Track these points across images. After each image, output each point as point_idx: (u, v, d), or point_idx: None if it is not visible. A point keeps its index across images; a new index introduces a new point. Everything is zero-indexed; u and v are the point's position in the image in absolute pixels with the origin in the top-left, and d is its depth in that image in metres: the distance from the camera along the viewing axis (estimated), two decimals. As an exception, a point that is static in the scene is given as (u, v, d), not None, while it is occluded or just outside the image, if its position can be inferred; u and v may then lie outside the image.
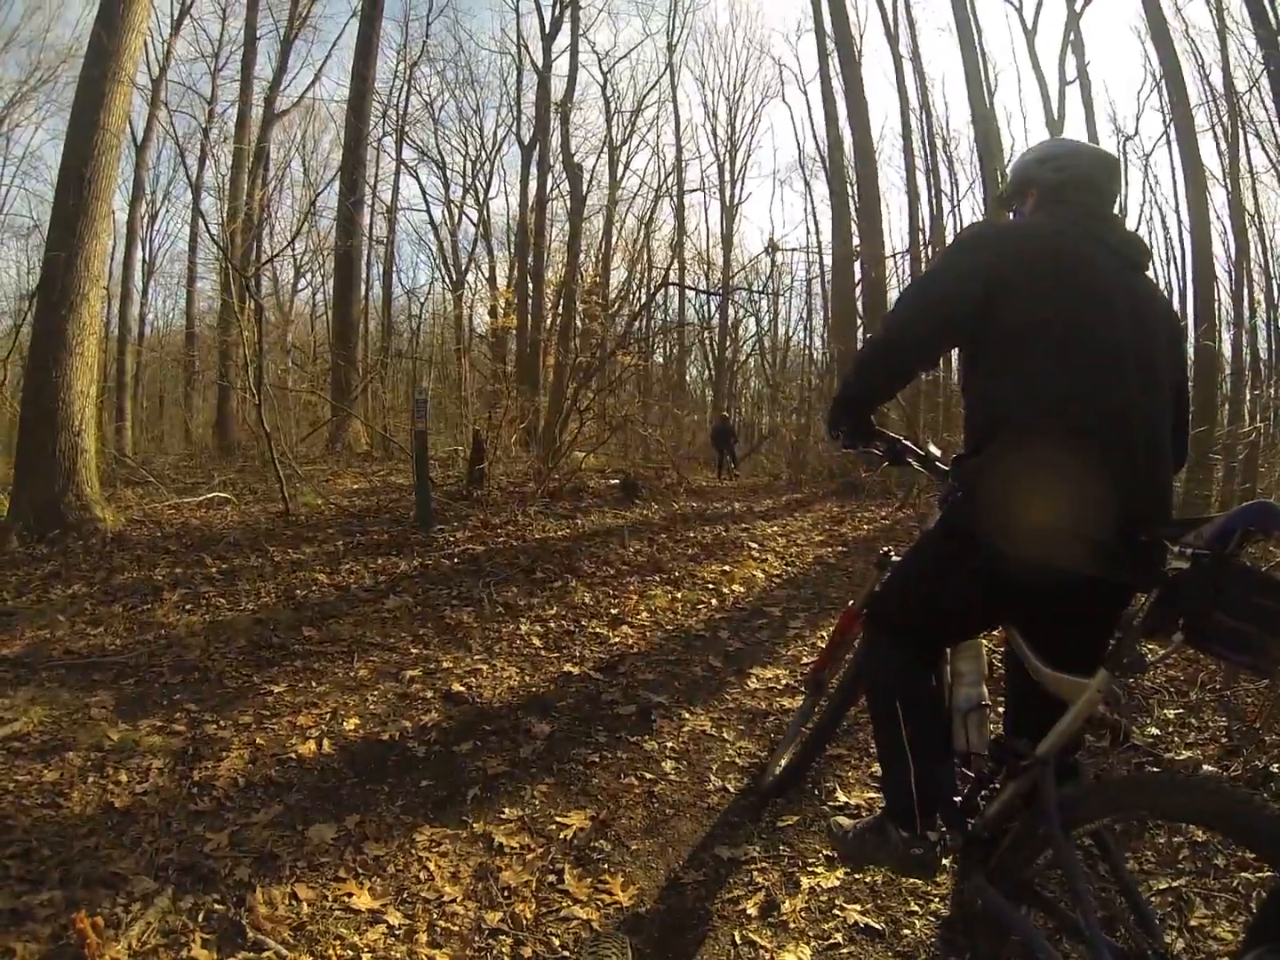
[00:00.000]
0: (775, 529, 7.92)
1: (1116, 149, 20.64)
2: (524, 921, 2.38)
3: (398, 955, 2.24)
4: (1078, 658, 1.83)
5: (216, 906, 2.41)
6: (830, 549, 7.48)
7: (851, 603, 2.86)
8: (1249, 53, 16.14)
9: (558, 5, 19.46)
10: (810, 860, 2.66)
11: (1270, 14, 12.11)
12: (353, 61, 16.32)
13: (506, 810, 2.97)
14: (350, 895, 2.48)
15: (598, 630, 5.02)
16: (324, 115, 26.39)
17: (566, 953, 2.25)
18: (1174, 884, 2.48)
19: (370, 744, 3.50)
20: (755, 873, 2.61)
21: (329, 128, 26.94)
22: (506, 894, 2.50)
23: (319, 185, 25.92)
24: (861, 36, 20.90)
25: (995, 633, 2.17)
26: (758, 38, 56.81)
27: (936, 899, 2.46)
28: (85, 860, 2.62)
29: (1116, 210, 2.21)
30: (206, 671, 4.27)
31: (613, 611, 5.36)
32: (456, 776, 3.23)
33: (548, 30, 19.71)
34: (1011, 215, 2.31)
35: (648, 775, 3.24)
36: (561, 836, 2.80)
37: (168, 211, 29.74)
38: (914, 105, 23.09)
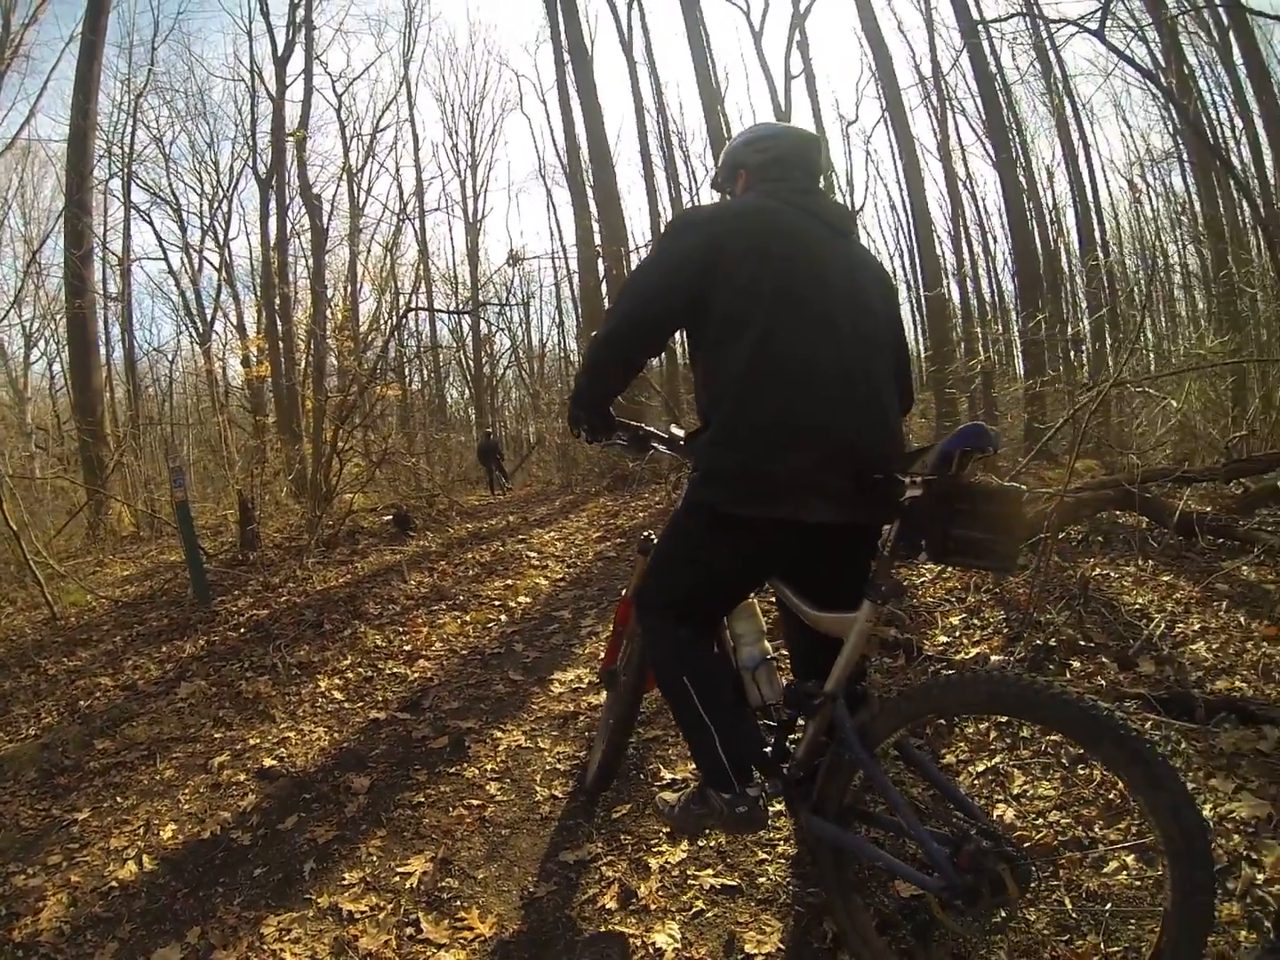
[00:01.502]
0: (553, 534, 8.09)
1: (841, 134, 22.87)
2: None
3: None
4: (845, 596, 1.96)
5: None
6: (609, 543, 7.74)
7: (624, 592, 3.01)
8: (952, 44, 18.56)
9: (291, 27, 18.68)
10: (652, 842, 2.81)
11: (970, 7, 13.94)
12: (72, 94, 14.89)
13: (347, 875, 2.93)
14: None
15: (395, 670, 5.01)
16: (43, 158, 24.10)
17: None
18: (991, 763, 2.84)
19: (192, 847, 3.35)
20: (604, 867, 2.73)
21: (49, 172, 24.69)
22: (369, 958, 2.48)
23: (41, 239, 23.68)
24: (593, 43, 21.39)
25: (764, 589, 2.35)
26: (496, 50, 56.53)
27: (782, 842, 2.68)
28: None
29: (824, 186, 2.44)
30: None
31: (406, 648, 5.35)
32: (288, 855, 3.15)
33: (280, 53, 18.91)
34: (725, 198, 2.47)
35: (475, 802, 3.29)
36: (408, 886, 2.79)
37: None
38: (649, 107, 24.15)
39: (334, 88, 24.86)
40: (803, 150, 2.29)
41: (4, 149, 19.07)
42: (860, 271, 2.15)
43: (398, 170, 28.72)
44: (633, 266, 13.66)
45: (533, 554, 7.33)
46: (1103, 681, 3.30)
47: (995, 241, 24.14)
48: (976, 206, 23.54)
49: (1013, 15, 13.32)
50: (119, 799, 3.92)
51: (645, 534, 2.88)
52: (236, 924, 2.77)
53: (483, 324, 25.12)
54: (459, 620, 5.78)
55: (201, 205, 26.17)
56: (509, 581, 6.57)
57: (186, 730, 4.58)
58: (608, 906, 2.52)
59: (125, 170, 22.78)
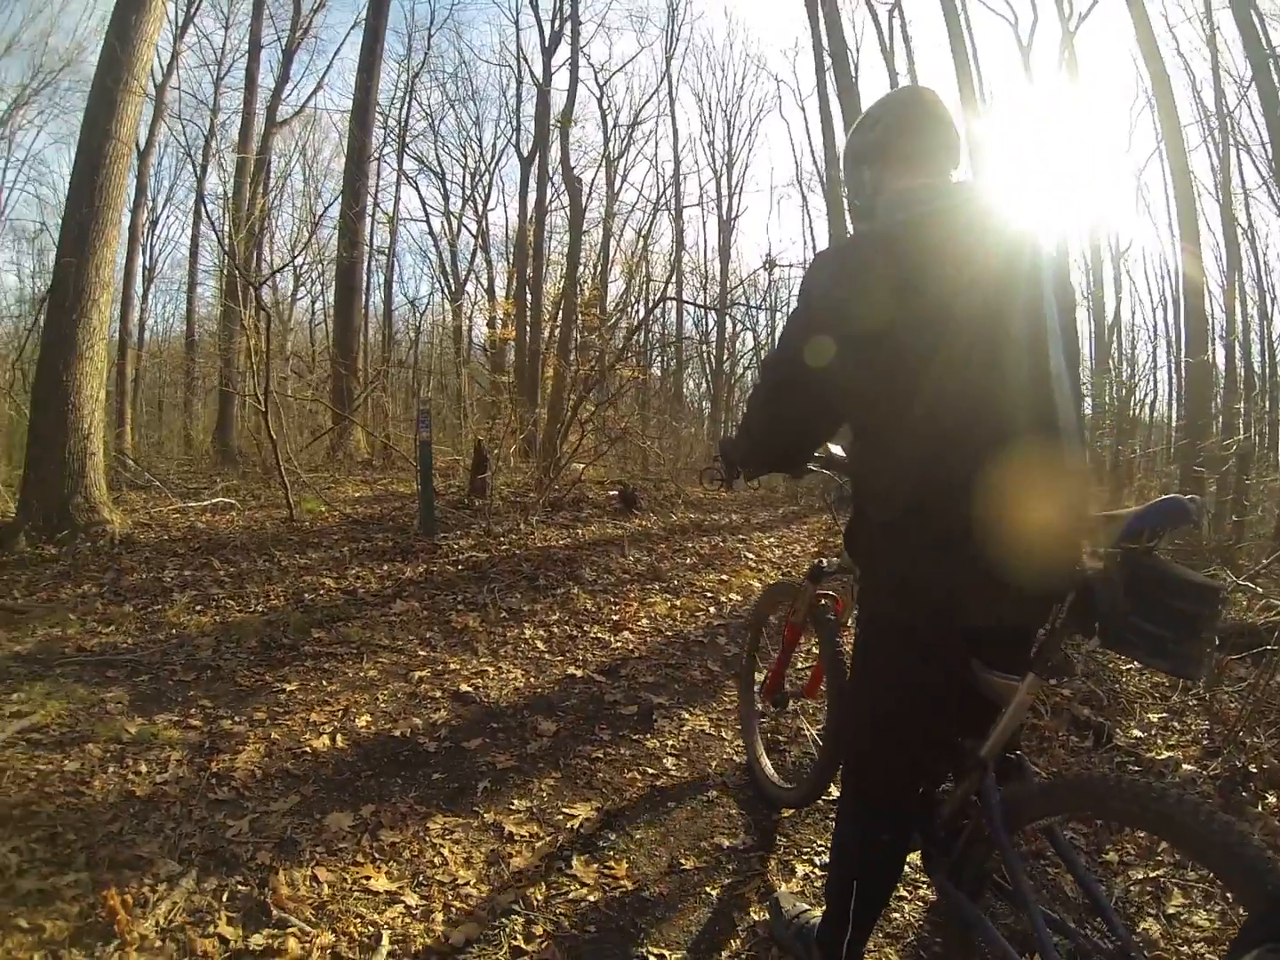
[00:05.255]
0: (771, 540, 8.04)
1: (1110, 164, 21.11)
2: (534, 902, 2.51)
3: (416, 933, 2.36)
4: (1012, 657, 1.80)
5: (240, 887, 2.53)
6: (823, 560, 7.56)
7: (792, 617, 2.96)
8: (1237, 73, 16.52)
9: (557, 19, 19.60)
10: (805, 850, 2.79)
11: (1260, 34, 12.37)
12: (357, 72, 16.32)
13: (516, 802, 3.11)
14: (368, 878, 2.60)
15: (600, 635, 5.14)
16: (325, 125, 26.63)
17: (575, 931, 2.38)
18: (1153, 875, 2.59)
19: (382, 740, 3.62)
20: (754, 860, 2.74)
21: (330, 137, 27.30)
22: (517, 878, 2.63)
23: (319, 194, 26.30)
24: (858, 50, 21.09)
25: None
26: (755, 53, 57.06)
27: (925, 886, 2.57)
28: (110, 844, 2.73)
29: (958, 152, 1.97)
30: (219, 670, 4.38)
31: (614, 618, 5.47)
32: (467, 770, 3.36)
33: (546, 44, 19.83)
34: (853, 200, 2.13)
35: (650, 770, 3.38)
36: (569, 826, 2.93)
37: (169, 217, 30.14)
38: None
39: (596, 79, 25.98)
40: (916, 112, 1.95)
41: (293, 116, 21.60)
42: (1028, 285, 1.77)
43: (655, 161, 29.40)
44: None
45: (750, 555, 7.31)
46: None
47: (1275, 303, 21.05)
48: (1256, 260, 20.54)
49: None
50: (325, 683, 4.26)
51: (818, 560, 2.82)
52: (407, 813, 3.02)
53: (729, 321, 25.27)
54: (669, 603, 5.84)
55: (464, 177, 27.73)
56: (723, 577, 6.57)
57: (394, 641, 4.89)
58: (746, 896, 2.56)
59: (399, 141, 24.87)
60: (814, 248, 28.06)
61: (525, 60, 23.61)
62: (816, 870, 2.68)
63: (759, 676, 3.32)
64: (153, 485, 9.42)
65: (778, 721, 3.70)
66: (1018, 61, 20.71)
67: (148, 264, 23.80)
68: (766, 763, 3.20)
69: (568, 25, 19.30)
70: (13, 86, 22.39)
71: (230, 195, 14.98)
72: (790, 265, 27.87)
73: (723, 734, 3.72)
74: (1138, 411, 13.99)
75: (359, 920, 2.40)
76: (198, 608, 5.46)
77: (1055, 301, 1.77)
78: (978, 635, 1.78)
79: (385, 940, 2.31)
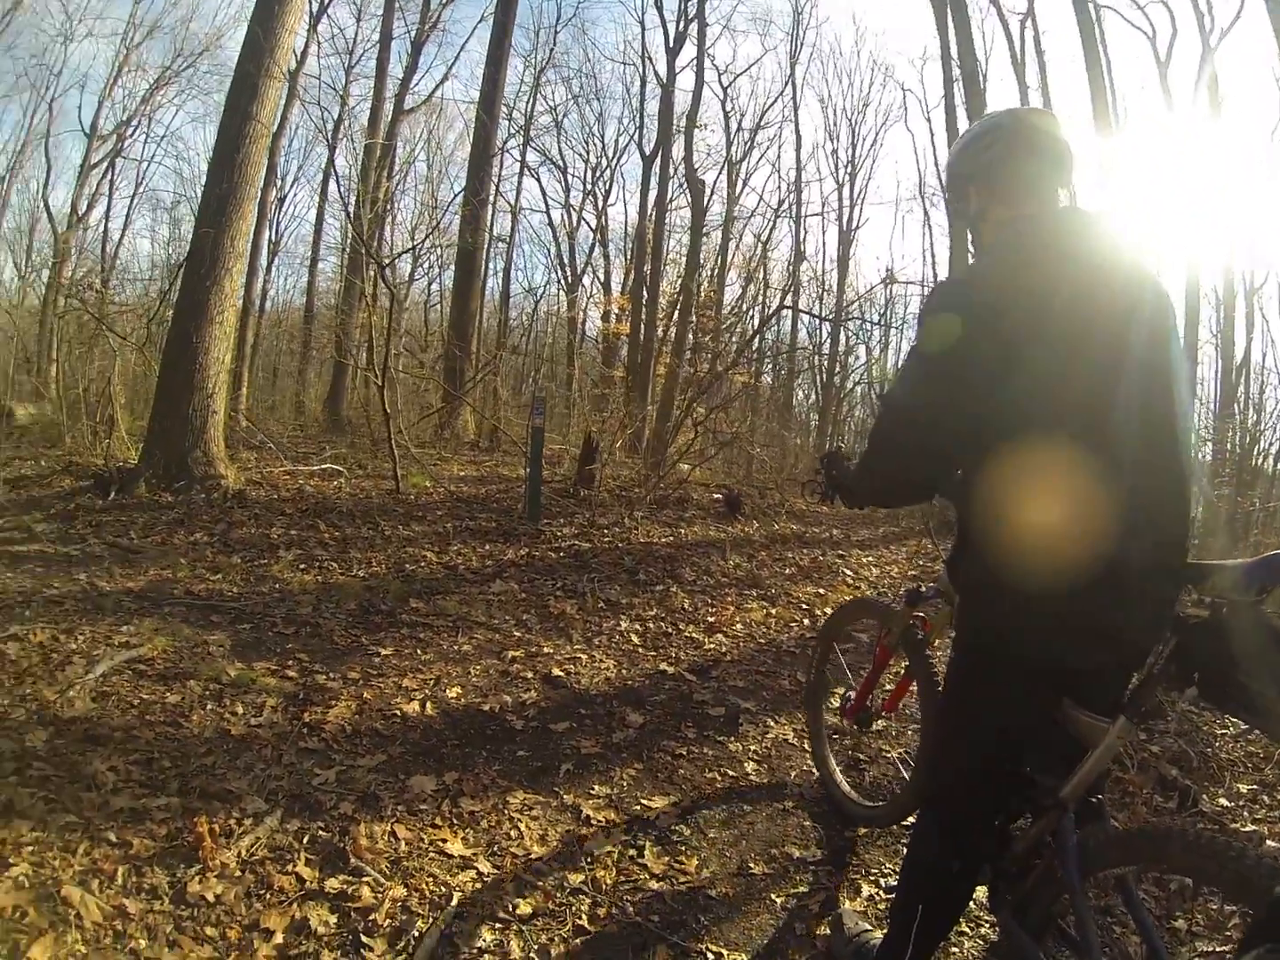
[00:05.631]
0: (870, 559, 7.91)
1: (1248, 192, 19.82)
2: (603, 886, 2.52)
3: (485, 899, 2.40)
4: (1104, 698, 1.75)
5: (321, 833, 2.62)
6: (921, 585, 7.39)
7: (884, 639, 2.93)
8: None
9: (682, 20, 19.64)
10: (873, 871, 2.74)
11: None
12: (484, 65, 16.69)
13: (596, 787, 3.13)
14: (445, 841, 2.65)
15: (694, 635, 5.12)
16: (450, 114, 27.49)
17: (639, 919, 2.37)
18: (1220, 949, 2.43)
19: (471, 712, 3.68)
20: (822, 874, 2.70)
21: (455, 126, 28.13)
22: (589, 860, 2.65)
23: (442, 181, 27.18)
24: (987, 61, 20.29)
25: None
26: (882, 60, 55.56)
27: (987, 924, 2.48)
28: (202, 775, 2.85)
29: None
30: (317, 627, 4.53)
31: (709, 619, 5.45)
32: (551, 751, 3.39)
33: (671, 44, 19.87)
34: (956, 210, 2.08)
35: (730, 773, 3.36)
36: (645, 816, 2.95)
37: (296, 196, 31.60)
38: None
39: (720, 80, 25.64)
40: (1029, 138, 1.88)
41: (420, 105, 22.46)
42: (1149, 322, 1.70)
43: (778, 166, 29.09)
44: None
45: (848, 571, 7.21)
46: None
47: None
48: None
49: None
50: (419, 651, 4.36)
51: (916, 584, 2.77)
52: (489, 784, 3.07)
53: (843, 334, 24.91)
54: (765, 611, 5.79)
55: (585, 171, 28.14)
56: (820, 590, 6.48)
57: (491, 619, 4.97)
58: (809, 908, 2.53)
59: (523, 134, 25.53)
60: (934, 266, 27.32)
61: (650, 60, 23.70)
62: (881, 892, 2.62)
63: (838, 692, 3.24)
64: (265, 446, 9.82)
65: (859, 740, 3.62)
66: (1154, 77, 19.52)
67: (273, 238, 25.18)
68: (842, 779, 3.17)
69: (693, 26, 19.38)
70: (155, 68, 24.62)
71: (357, 178, 15.51)
72: (909, 282, 27.30)
73: (805, 746, 3.65)
74: (1261, 461, 13.06)
75: (431, 879, 2.45)
76: (301, 566, 5.66)
77: (1182, 340, 1.74)
78: (1073, 673, 1.74)
79: (454, 901, 2.36)
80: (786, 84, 27.13)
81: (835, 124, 33.48)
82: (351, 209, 10.08)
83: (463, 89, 44.22)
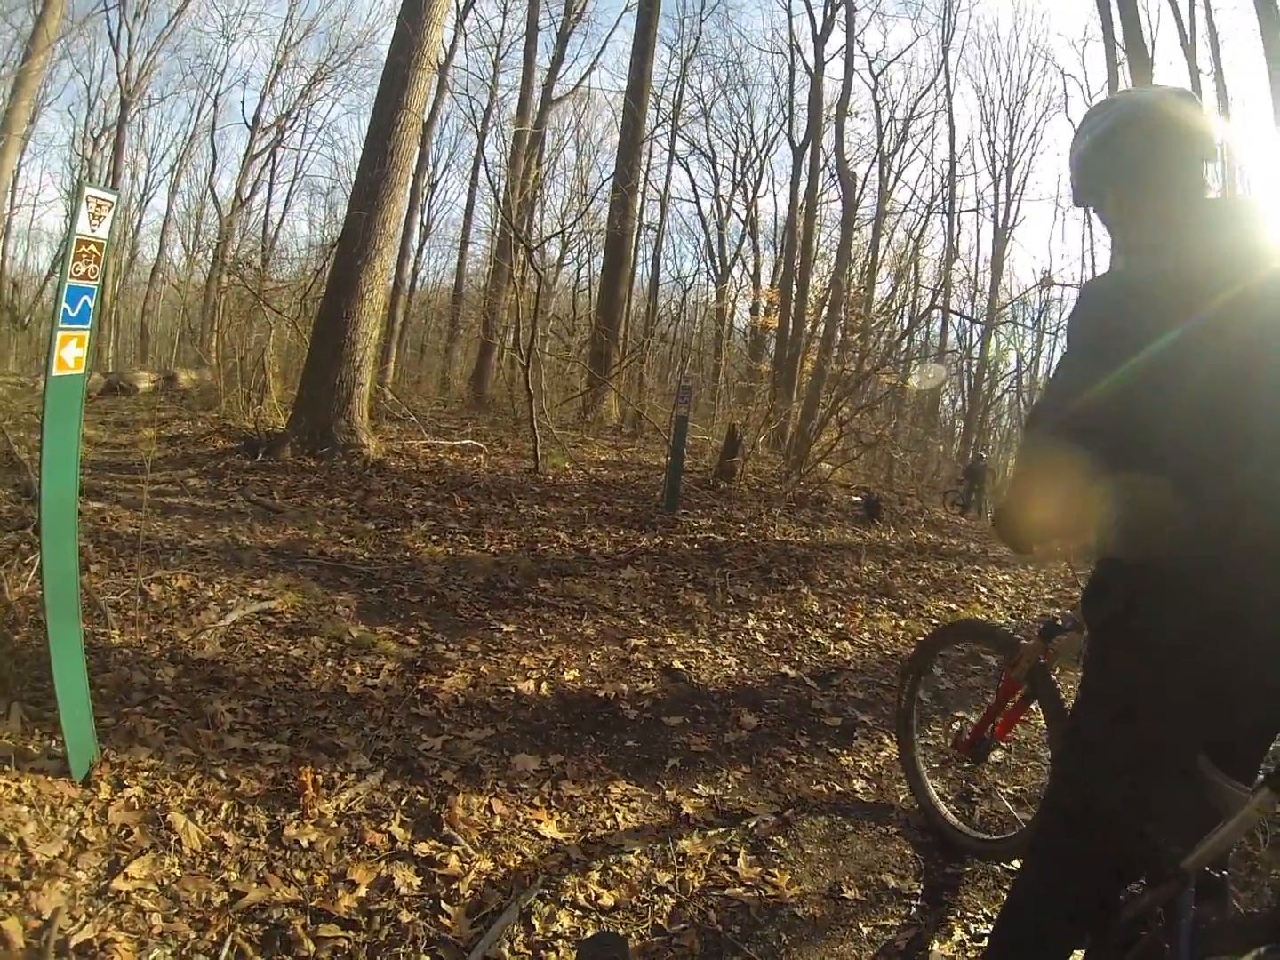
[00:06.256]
0: (1006, 578, 7.58)
1: None
2: (690, 888, 2.50)
3: (569, 883, 2.42)
4: (1244, 761, 1.66)
5: (419, 797, 2.71)
6: (1058, 610, 7.03)
7: (1011, 671, 2.79)
8: None
9: (829, 6, 19.23)
10: (969, 914, 2.60)
11: None
12: (630, 55, 16.97)
13: (700, 786, 3.10)
14: (539, 822, 2.69)
15: (819, 640, 5.03)
16: (598, 103, 28.25)
17: (719, 927, 2.34)
18: None
19: (585, 697, 3.73)
20: (914, 909, 2.60)
21: (602, 115, 29.15)
22: (680, 860, 2.63)
23: (591, 168, 27.92)
24: (1153, 45, 18.53)
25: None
26: (1042, 45, 52.09)
27: None
28: (313, 728, 3.00)
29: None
30: (443, 598, 4.69)
31: (837, 625, 5.34)
32: (660, 745, 3.39)
33: (819, 31, 19.50)
34: (1091, 213, 1.96)
35: (838, 788, 3.27)
36: (744, 823, 2.89)
37: (446, 182, 33.08)
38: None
39: (870, 69, 24.88)
40: (1176, 129, 1.71)
41: (567, 94, 23.17)
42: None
43: (931, 159, 28.03)
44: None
45: (983, 589, 6.94)
46: None
47: None
48: None
49: None
50: (541, 631, 4.45)
51: (1053, 616, 2.66)
52: (592, 771, 3.10)
53: (994, 338, 23.88)
54: (894, 622, 5.63)
55: (734, 161, 28.37)
56: (953, 605, 6.25)
57: (617, 605, 5.03)
58: (896, 944, 2.41)
59: (671, 123, 25.81)
60: (1093, 269, 25.81)
61: (797, 48, 23.43)
62: (972, 939, 2.49)
63: (962, 728, 3.12)
64: (408, 419, 10.25)
65: (973, 772, 3.46)
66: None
67: (424, 222, 26.82)
68: (944, 809, 3.06)
69: (840, 11, 18.95)
70: (311, 64, 27.85)
71: (507, 165, 15.97)
72: (1067, 285, 25.83)
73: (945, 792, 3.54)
74: None
75: (520, 858, 2.50)
76: (433, 537, 5.87)
77: None
78: (1215, 729, 1.63)
79: (539, 882, 2.39)
80: (939, 71, 26.34)
81: (992, 114, 32.00)
82: (501, 194, 10.44)
83: (610, 78, 44.83)
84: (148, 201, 30.44)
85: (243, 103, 42.89)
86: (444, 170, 28.98)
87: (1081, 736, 1.83)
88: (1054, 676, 2.70)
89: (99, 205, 2.32)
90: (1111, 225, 1.89)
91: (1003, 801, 3.33)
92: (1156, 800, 1.71)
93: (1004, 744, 3.10)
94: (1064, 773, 1.97)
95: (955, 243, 26.23)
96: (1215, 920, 1.59)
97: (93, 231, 2.30)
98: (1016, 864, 2.64)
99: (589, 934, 2.24)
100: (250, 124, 27.08)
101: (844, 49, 19.07)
